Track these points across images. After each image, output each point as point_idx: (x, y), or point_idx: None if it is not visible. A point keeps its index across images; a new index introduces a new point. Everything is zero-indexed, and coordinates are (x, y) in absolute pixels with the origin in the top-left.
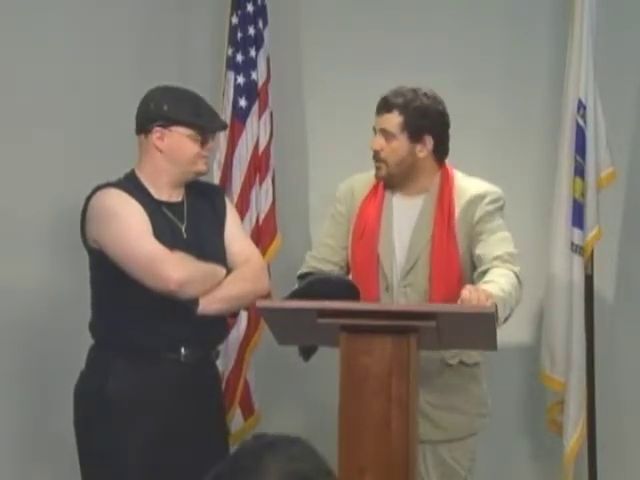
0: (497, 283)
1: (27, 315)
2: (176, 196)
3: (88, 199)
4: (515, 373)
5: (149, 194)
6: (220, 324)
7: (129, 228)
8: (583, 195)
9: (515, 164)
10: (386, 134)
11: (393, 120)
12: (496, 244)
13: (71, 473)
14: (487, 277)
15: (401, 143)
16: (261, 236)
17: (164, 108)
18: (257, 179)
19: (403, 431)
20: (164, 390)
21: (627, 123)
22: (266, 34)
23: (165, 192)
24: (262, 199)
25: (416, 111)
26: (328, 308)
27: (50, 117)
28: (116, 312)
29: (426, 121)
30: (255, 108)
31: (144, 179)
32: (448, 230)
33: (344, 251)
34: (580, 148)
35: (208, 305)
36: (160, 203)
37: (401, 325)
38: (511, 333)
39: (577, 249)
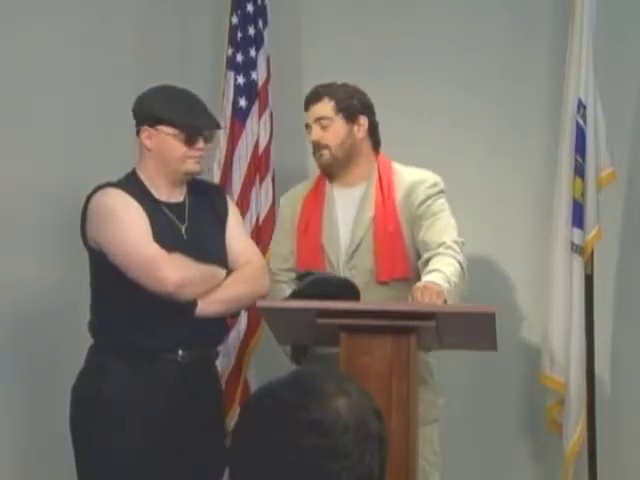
0: (444, 273)
1: (25, 313)
2: (177, 196)
3: (88, 198)
4: (515, 373)
5: (150, 194)
6: (219, 325)
7: (128, 229)
8: (583, 195)
9: (515, 164)
10: (322, 121)
11: (326, 106)
12: (440, 231)
13: (69, 473)
14: (431, 266)
15: (339, 125)
16: (261, 236)
17: (154, 107)
18: (257, 179)
19: (403, 431)
20: (162, 390)
21: (627, 123)
22: (266, 34)
23: (164, 192)
24: (262, 199)
25: (344, 93)
26: (328, 308)
27: (50, 117)
28: (114, 312)
29: (356, 101)
30: (255, 108)
31: (144, 179)
32: (390, 210)
33: (294, 255)
34: (580, 148)
35: (206, 307)
36: (160, 203)
37: (401, 325)
38: (511, 333)
39: (577, 249)
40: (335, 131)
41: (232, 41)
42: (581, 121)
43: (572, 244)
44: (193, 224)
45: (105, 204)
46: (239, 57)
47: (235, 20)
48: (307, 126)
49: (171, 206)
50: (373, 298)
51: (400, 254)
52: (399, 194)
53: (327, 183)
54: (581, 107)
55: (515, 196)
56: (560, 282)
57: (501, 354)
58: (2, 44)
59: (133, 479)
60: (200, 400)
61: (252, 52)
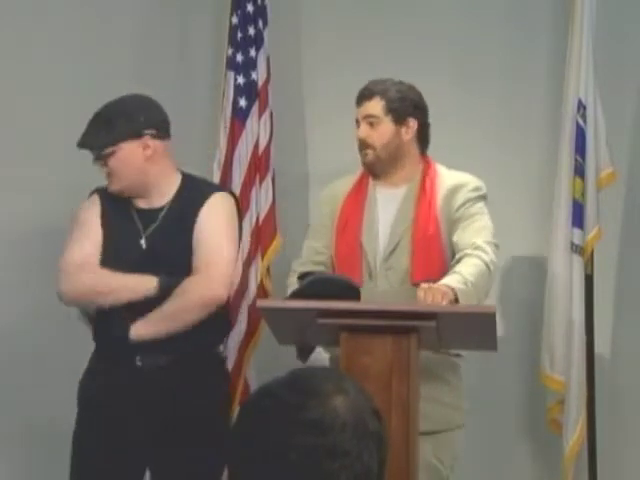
0: (461, 275)
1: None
2: (157, 201)
3: None
4: (515, 373)
5: (127, 200)
6: (184, 332)
7: (71, 234)
8: (583, 195)
9: (515, 164)
10: (371, 119)
11: (376, 105)
12: (473, 232)
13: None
14: (456, 267)
15: (387, 126)
16: (261, 236)
17: None
18: (257, 179)
19: (403, 430)
20: (118, 392)
21: (627, 123)
22: (266, 34)
23: (141, 199)
24: (262, 199)
25: (397, 94)
26: (328, 308)
27: (50, 117)
28: (99, 314)
29: (408, 103)
30: (255, 108)
31: None
32: (430, 214)
33: (328, 250)
34: (580, 148)
35: (140, 330)
36: (134, 209)
37: (401, 325)
38: (511, 333)
39: (577, 249)
40: (382, 131)
41: (232, 41)
42: (581, 121)
43: (572, 244)
44: (159, 232)
45: (77, 208)
46: (239, 57)
47: (235, 20)
48: (356, 121)
49: (143, 212)
50: (407, 299)
51: (436, 257)
52: (440, 197)
53: (370, 182)
54: (581, 107)
55: (515, 196)
56: (560, 282)
57: (501, 354)
58: (2, 44)
59: (81, 477)
60: (159, 407)
61: (252, 52)
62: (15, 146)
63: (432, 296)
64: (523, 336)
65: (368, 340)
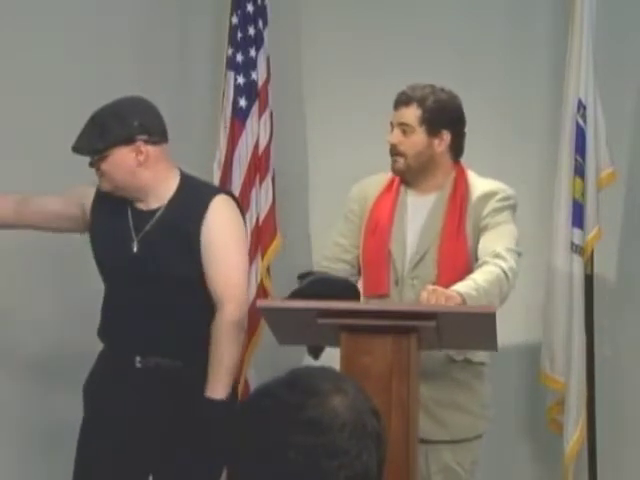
0: (474, 281)
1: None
2: (152, 203)
3: None
4: (515, 373)
5: (127, 200)
6: (178, 332)
7: None
8: (583, 195)
9: (515, 164)
10: (404, 127)
11: (412, 113)
12: (495, 239)
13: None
14: (471, 274)
15: (419, 136)
16: (261, 236)
17: None
18: (257, 179)
19: (403, 431)
20: (118, 392)
21: (627, 123)
22: (266, 34)
23: (140, 200)
24: (262, 199)
25: (435, 104)
26: (328, 308)
27: (50, 117)
28: (102, 310)
29: (444, 116)
30: (255, 108)
31: None
32: (458, 224)
33: (356, 250)
34: (580, 148)
35: (220, 392)
36: (131, 209)
37: (401, 325)
38: (511, 333)
39: (577, 249)
40: (414, 141)
41: (232, 41)
42: (581, 121)
43: (572, 244)
44: (150, 235)
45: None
46: (239, 57)
47: (235, 20)
48: (390, 124)
49: (138, 213)
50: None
51: (463, 268)
52: (469, 206)
53: (402, 186)
54: (581, 107)
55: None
56: (560, 282)
57: (501, 354)
58: (2, 44)
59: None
60: (155, 409)
61: (252, 52)
62: (15, 146)
63: (436, 298)
64: (523, 336)
65: (368, 340)
